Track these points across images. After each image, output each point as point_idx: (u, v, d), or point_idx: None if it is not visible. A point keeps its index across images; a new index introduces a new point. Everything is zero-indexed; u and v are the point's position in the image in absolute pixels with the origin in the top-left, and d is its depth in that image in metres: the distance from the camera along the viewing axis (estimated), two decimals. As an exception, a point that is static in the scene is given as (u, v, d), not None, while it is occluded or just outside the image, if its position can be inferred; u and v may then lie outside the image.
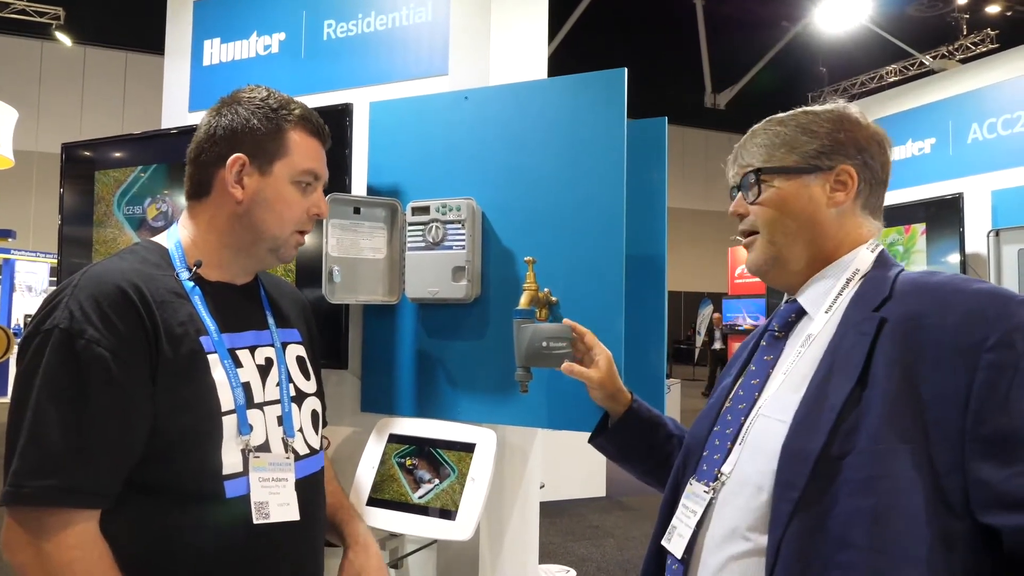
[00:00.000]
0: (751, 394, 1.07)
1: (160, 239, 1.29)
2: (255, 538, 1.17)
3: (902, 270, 1.03)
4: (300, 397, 1.34)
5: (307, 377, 1.38)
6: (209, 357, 1.18)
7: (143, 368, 1.10)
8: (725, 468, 1.03)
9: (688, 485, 1.09)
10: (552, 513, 5.44)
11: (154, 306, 1.14)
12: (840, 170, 1.07)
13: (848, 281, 1.04)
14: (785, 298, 1.15)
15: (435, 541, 1.82)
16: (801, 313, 1.09)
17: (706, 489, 1.04)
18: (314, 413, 1.37)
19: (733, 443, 1.04)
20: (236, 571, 1.16)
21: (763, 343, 1.14)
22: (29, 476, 1.02)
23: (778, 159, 1.10)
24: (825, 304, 1.04)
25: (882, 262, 1.06)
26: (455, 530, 1.55)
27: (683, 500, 1.09)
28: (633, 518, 5.60)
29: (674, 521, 1.09)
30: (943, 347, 0.87)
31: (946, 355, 0.87)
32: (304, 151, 1.29)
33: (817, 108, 1.12)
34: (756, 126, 1.15)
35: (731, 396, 1.12)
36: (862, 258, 1.06)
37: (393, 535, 1.72)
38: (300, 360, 1.38)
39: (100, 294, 1.10)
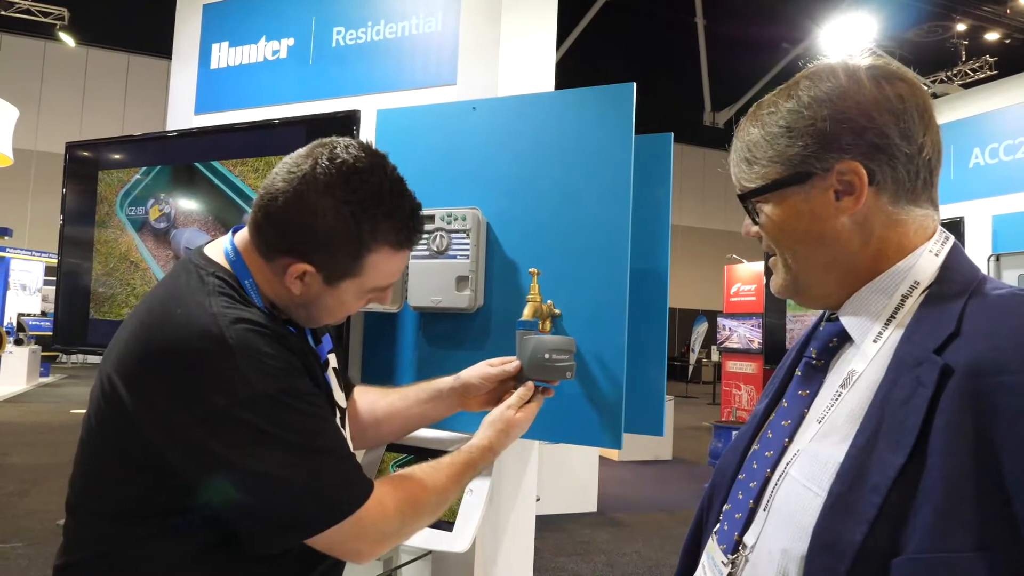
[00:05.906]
0: (780, 439, 0.85)
1: (220, 258, 1.13)
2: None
3: (980, 283, 0.76)
4: (342, 414, 1.29)
5: (342, 389, 1.33)
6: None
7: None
8: (748, 538, 0.83)
9: (709, 540, 0.91)
10: (542, 527, 5.41)
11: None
12: (839, 169, 0.79)
13: (904, 299, 0.78)
14: (827, 314, 0.91)
15: (430, 552, 1.81)
16: (844, 337, 0.84)
17: (725, 561, 0.85)
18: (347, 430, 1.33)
19: (756, 503, 0.84)
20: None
21: (798, 372, 0.90)
22: (341, 490, 1.04)
23: (759, 175, 0.85)
24: (874, 330, 0.79)
25: (952, 270, 0.78)
26: (452, 541, 1.54)
27: (703, 560, 0.91)
28: (624, 535, 5.57)
29: None
30: None
31: None
32: (382, 273, 1.12)
33: (804, 84, 0.82)
34: (740, 123, 0.89)
35: (760, 435, 0.91)
36: (923, 265, 0.79)
37: (388, 545, 1.71)
38: (336, 372, 1.32)
39: (261, 350, 1.01)
